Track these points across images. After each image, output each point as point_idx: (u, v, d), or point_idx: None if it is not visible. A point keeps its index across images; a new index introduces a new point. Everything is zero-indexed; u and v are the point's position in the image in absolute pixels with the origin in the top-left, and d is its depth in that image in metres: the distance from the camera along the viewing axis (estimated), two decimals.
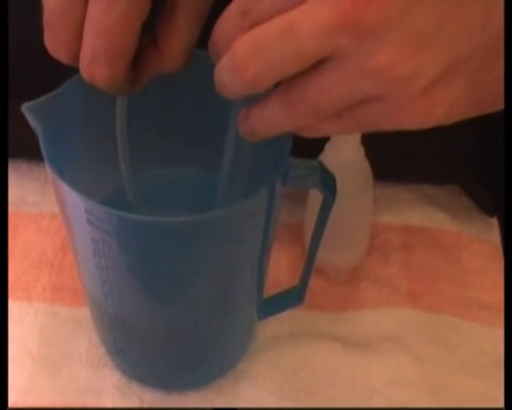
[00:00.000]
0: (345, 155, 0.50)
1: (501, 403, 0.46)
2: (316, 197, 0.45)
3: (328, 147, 0.51)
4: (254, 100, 0.36)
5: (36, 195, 0.59)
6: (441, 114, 0.33)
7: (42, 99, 0.42)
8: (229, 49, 0.33)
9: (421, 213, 0.59)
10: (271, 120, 0.36)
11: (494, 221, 0.60)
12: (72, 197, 0.39)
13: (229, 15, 0.34)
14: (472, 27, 0.32)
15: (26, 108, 0.41)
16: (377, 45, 0.31)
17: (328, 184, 0.43)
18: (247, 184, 0.42)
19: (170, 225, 0.39)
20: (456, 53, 0.32)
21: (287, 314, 0.51)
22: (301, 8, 0.32)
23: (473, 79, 0.34)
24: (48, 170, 0.40)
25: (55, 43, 0.38)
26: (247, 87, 0.34)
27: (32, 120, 0.41)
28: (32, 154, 0.57)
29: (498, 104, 0.36)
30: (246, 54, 0.33)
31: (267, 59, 0.32)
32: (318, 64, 0.33)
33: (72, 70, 0.43)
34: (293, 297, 0.50)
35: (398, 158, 0.57)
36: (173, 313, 0.46)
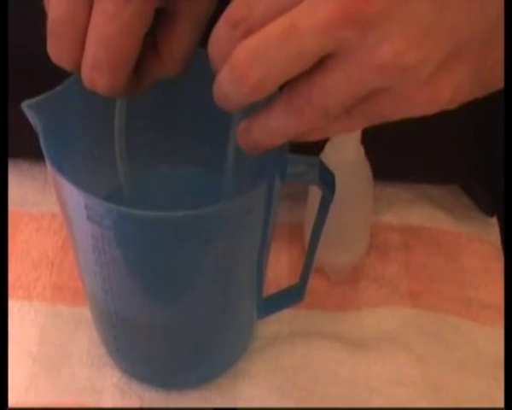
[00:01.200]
0: (345, 155, 0.50)
1: (501, 403, 0.46)
2: (316, 197, 0.45)
3: (328, 146, 0.51)
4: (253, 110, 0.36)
5: (36, 194, 0.59)
6: (447, 99, 0.34)
7: (42, 97, 0.42)
8: (228, 60, 0.33)
9: (421, 213, 0.60)
10: (276, 129, 0.35)
11: (494, 221, 0.60)
12: (72, 193, 0.39)
13: (219, 30, 0.34)
14: (471, 11, 0.33)
15: (26, 106, 0.41)
16: (381, 37, 0.31)
17: (327, 180, 0.43)
18: (248, 179, 0.42)
19: (169, 220, 0.39)
20: (459, 38, 0.33)
21: (287, 314, 0.51)
22: (300, 7, 0.32)
23: (475, 62, 0.34)
24: (48, 167, 0.40)
25: (58, 53, 0.38)
26: (251, 95, 0.33)
27: (32, 117, 0.41)
28: (33, 153, 0.57)
29: (501, 84, 0.36)
30: (247, 61, 0.32)
31: (270, 62, 0.32)
32: (321, 64, 0.33)
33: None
34: (292, 295, 0.50)
35: (398, 158, 0.57)
36: (173, 311, 0.46)
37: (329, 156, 0.50)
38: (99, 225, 0.39)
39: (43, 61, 0.45)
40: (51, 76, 0.42)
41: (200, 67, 0.41)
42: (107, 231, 0.40)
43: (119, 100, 0.43)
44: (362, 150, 0.51)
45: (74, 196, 0.39)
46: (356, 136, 0.50)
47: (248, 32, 0.33)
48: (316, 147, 0.51)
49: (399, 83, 0.32)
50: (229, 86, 0.34)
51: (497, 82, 0.36)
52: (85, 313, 0.51)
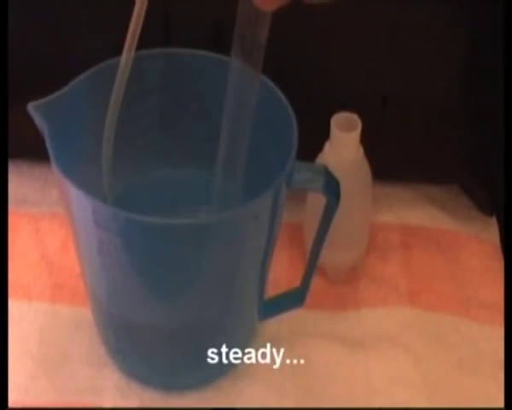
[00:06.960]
0: (344, 155, 0.50)
1: (500, 403, 0.47)
2: (316, 197, 0.45)
3: (327, 146, 0.51)
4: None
5: (36, 194, 0.58)
6: None
7: (48, 98, 0.41)
8: None
9: (420, 213, 0.60)
10: None
11: (493, 220, 0.60)
12: (80, 198, 0.39)
13: None
14: None
15: (32, 107, 0.41)
16: None
17: (332, 188, 0.43)
18: (253, 186, 0.42)
19: (176, 227, 0.39)
20: None
21: (286, 314, 0.51)
22: None
23: None
24: (54, 170, 0.40)
25: None
26: None
27: (37, 118, 0.41)
28: (33, 154, 0.58)
29: None
30: None
31: None
32: None
33: (73, 70, 0.43)
34: (293, 299, 0.50)
35: (398, 158, 0.57)
36: (176, 314, 0.46)
37: (328, 156, 0.50)
38: (106, 230, 0.39)
39: (43, 61, 0.45)
40: (51, 76, 0.43)
41: (204, 70, 0.41)
42: (114, 236, 0.40)
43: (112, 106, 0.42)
44: (361, 150, 0.51)
45: (82, 200, 0.39)
46: (355, 136, 0.49)
47: None
48: (315, 147, 0.51)
49: None
50: None
51: None
52: (85, 313, 0.51)
